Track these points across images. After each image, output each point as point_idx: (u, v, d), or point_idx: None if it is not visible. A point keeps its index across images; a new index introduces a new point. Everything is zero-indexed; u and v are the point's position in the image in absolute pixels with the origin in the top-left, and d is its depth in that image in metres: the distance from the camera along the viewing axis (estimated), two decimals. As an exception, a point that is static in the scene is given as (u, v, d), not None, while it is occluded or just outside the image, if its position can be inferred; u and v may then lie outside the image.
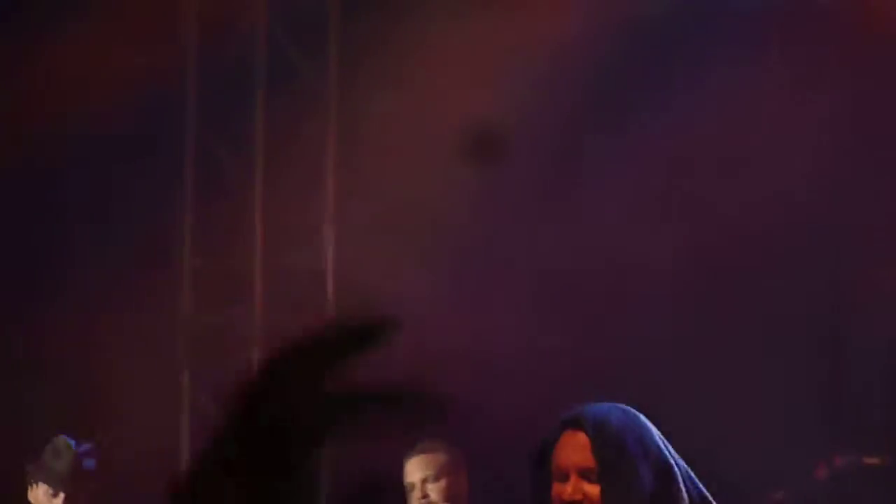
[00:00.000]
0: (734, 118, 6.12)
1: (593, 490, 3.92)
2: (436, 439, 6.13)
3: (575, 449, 3.96)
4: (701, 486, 4.04)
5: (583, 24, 6.09)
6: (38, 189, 6.64)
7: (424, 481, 6.16)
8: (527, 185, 6.42)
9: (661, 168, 6.36)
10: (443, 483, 6.19)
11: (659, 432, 3.99)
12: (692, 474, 3.98)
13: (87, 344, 6.45)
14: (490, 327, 6.22)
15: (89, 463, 6.34)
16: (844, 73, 6.21)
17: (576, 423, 3.92)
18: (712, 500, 4.03)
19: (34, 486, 6.39)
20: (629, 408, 3.98)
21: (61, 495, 6.39)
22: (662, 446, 3.95)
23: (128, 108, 6.43)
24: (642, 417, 3.97)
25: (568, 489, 3.91)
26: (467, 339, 6.10)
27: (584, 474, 3.92)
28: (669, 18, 6.17)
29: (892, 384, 6.42)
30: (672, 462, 3.92)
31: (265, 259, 6.53)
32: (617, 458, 3.95)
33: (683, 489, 3.96)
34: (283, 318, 6.47)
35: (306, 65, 6.56)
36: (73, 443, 6.34)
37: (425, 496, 6.13)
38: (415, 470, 6.16)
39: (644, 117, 6.30)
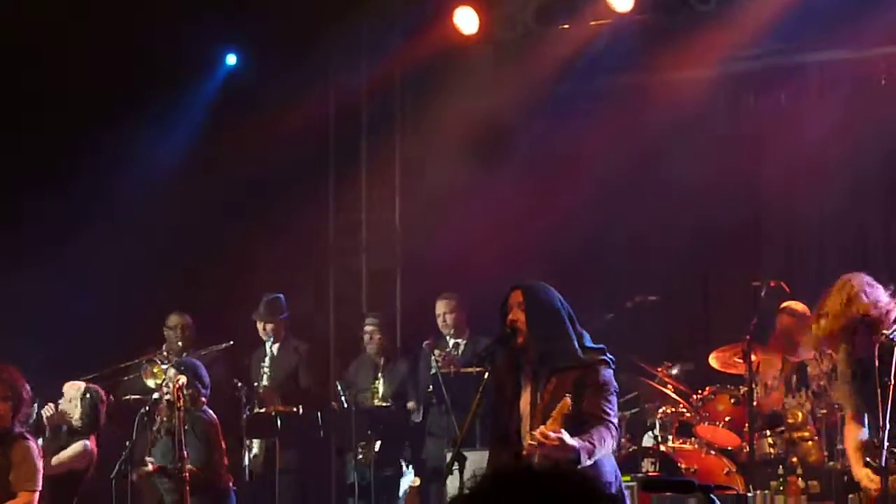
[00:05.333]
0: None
1: (523, 315, 5.38)
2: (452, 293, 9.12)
3: (516, 296, 5.46)
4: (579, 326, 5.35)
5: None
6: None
7: (445, 313, 9.06)
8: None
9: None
10: (455, 315, 9.12)
11: (562, 299, 5.33)
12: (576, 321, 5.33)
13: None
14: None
15: (283, 307, 9.72)
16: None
17: (517, 287, 5.48)
18: (584, 332, 5.36)
19: (258, 322, 9.80)
20: (547, 285, 5.47)
21: (269, 326, 9.76)
22: (561, 302, 5.38)
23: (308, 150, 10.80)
24: (552, 289, 5.41)
25: (511, 315, 5.41)
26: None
27: (519, 307, 5.39)
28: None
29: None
30: (565, 309, 5.36)
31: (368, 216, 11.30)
32: (535, 300, 5.39)
33: (568, 322, 5.35)
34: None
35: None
36: (280, 297, 9.79)
37: (445, 321, 9.07)
38: (441, 306, 9.13)
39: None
